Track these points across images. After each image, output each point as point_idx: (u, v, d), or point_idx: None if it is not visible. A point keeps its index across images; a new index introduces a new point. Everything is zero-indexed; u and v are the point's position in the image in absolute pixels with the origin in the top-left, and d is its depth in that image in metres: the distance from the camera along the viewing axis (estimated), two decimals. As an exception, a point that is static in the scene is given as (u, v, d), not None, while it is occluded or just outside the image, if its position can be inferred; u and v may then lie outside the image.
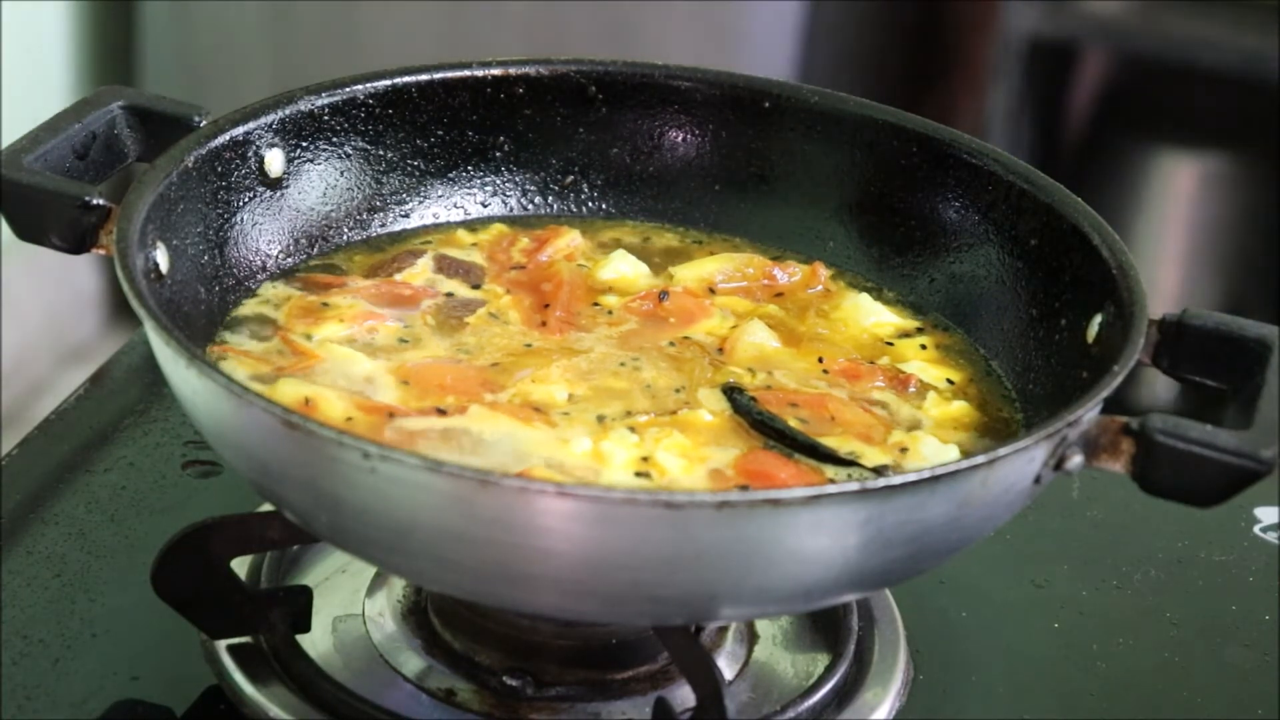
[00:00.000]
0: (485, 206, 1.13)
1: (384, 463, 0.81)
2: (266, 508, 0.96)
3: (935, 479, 0.84)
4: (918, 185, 1.10)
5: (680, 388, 0.99)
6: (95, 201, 0.95)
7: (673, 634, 0.92)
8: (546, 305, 1.05)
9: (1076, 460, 0.88)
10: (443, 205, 1.12)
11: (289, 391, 0.94)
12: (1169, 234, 2.91)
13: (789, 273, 1.10)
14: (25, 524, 1.08)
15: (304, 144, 1.06)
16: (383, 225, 1.10)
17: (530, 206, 1.14)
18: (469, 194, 1.13)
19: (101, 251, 0.96)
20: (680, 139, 1.14)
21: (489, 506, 0.81)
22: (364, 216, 1.10)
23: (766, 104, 1.13)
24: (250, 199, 1.04)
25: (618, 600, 0.86)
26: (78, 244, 0.96)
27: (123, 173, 1.04)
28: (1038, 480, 0.89)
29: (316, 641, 0.99)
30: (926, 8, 3.15)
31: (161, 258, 0.96)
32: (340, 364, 0.97)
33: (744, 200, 1.14)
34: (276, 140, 1.05)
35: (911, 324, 1.07)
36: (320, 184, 1.08)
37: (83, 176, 1.00)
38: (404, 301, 1.04)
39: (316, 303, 1.03)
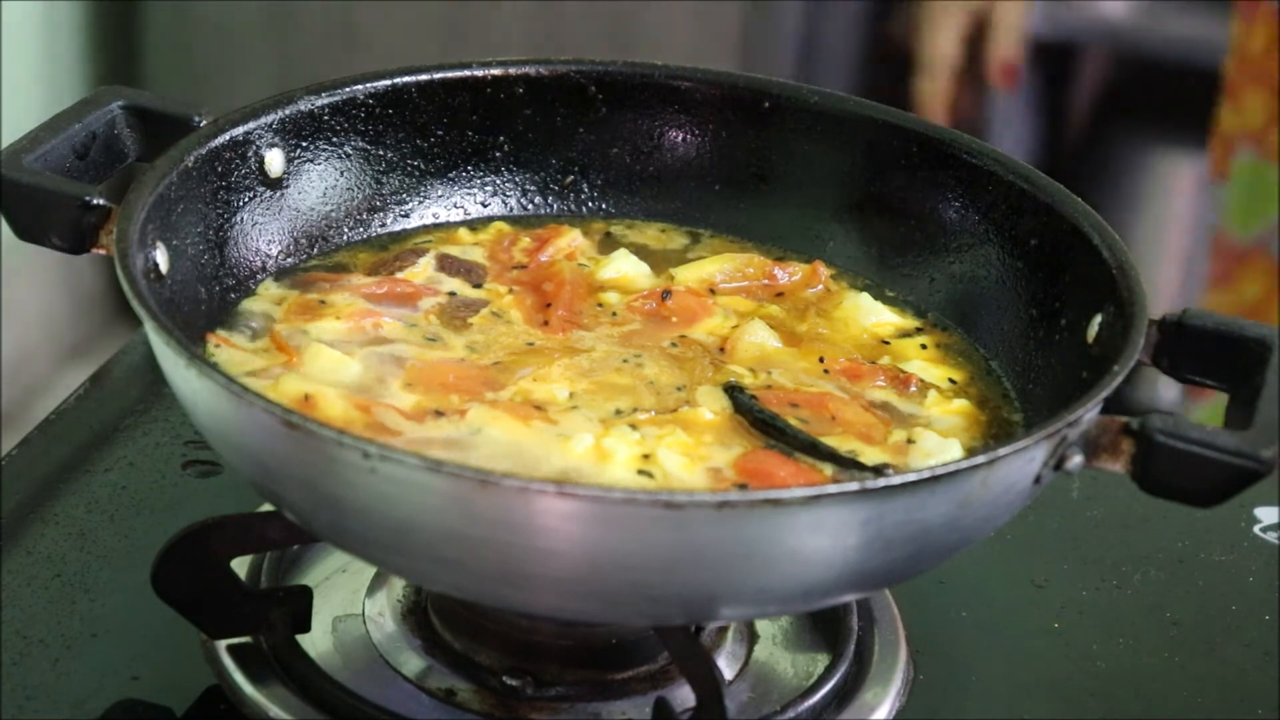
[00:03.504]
0: (485, 206, 1.13)
1: (384, 463, 0.81)
2: (266, 508, 0.96)
3: (935, 479, 0.84)
4: (918, 185, 1.10)
5: (682, 386, 0.99)
6: (95, 201, 0.95)
7: (673, 634, 0.92)
8: (548, 305, 1.05)
9: (1076, 460, 0.88)
10: (443, 205, 1.12)
11: (289, 389, 0.94)
12: (1169, 234, 2.91)
13: (789, 272, 1.10)
14: (25, 524, 1.08)
15: (304, 144, 1.06)
16: (383, 225, 1.10)
17: (530, 206, 1.14)
18: (469, 194, 1.13)
19: (101, 251, 0.96)
20: (680, 139, 1.14)
21: (489, 506, 0.81)
22: (364, 216, 1.10)
23: (766, 104, 1.13)
24: (250, 199, 1.04)
25: (618, 600, 0.86)
26: (78, 244, 0.96)
27: (123, 173, 1.04)
28: (1038, 480, 0.89)
29: (316, 641, 0.99)
30: (926, 8, 3.15)
31: (161, 258, 0.96)
32: (329, 365, 0.97)
33: (744, 200, 1.14)
34: (276, 140, 1.05)
35: (911, 324, 1.07)
36: (320, 184, 1.08)
37: (83, 176, 1.00)
38: (404, 300, 1.04)
39: (314, 300, 1.03)
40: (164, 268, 0.96)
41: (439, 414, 0.94)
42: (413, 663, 0.98)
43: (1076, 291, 1.01)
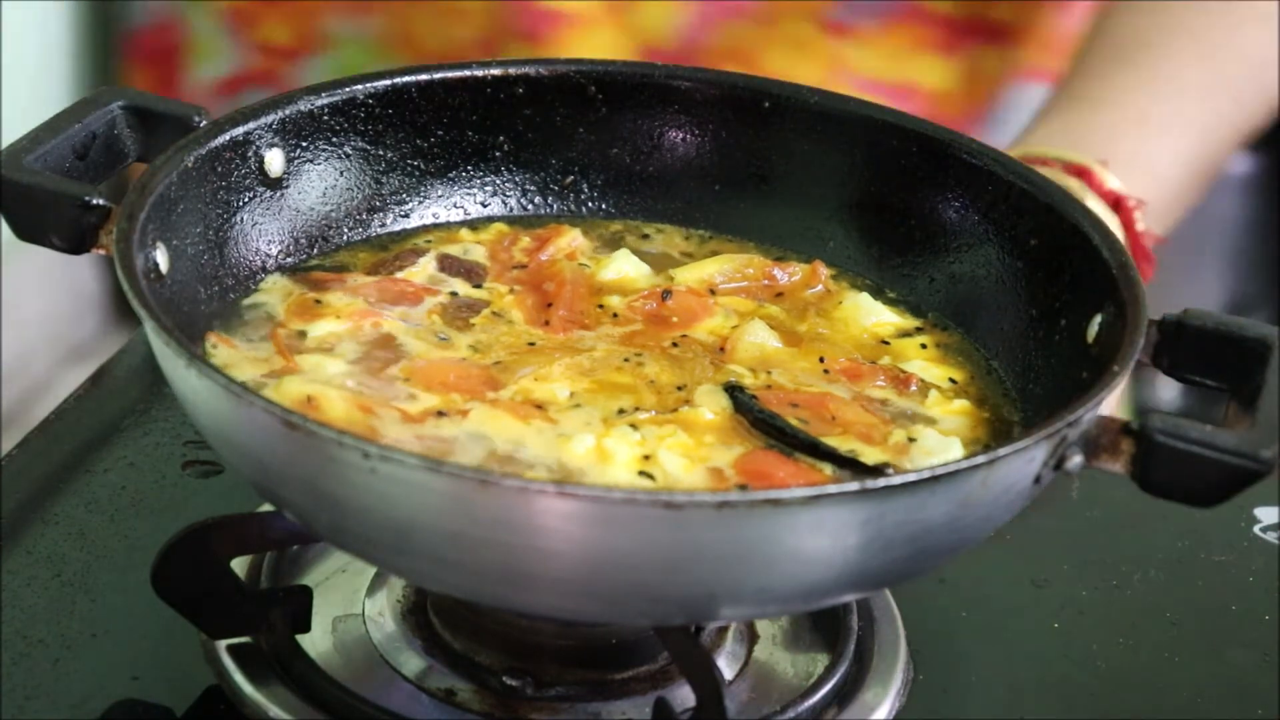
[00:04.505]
0: (485, 206, 1.13)
1: (384, 463, 0.81)
2: (266, 508, 0.96)
3: (935, 479, 0.84)
4: (918, 185, 1.10)
5: (682, 385, 1.00)
6: (95, 201, 0.96)
7: (673, 634, 0.92)
8: (549, 304, 1.05)
9: (1076, 460, 0.88)
10: (442, 205, 1.12)
11: (291, 389, 0.94)
12: (1169, 234, 2.90)
13: (789, 273, 1.10)
14: (25, 524, 1.08)
15: (304, 144, 1.07)
16: (383, 225, 1.10)
17: (530, 206, 1.14)
18: (469, 194, 1.13)
19: (101, 251, 0.96)
20: (680, 139, 1.14)
21: (489, 506, 0.81)
22: (364, 216, 1.10)
23: (766, 104, 1.13)
24: (250, 199, 1.04)
25: (618, 600, 0.86)
26: (78, 244, 0.96)
27: (123, 173, 1.04)
28: (1038, 480, 0.89)
29: (316, 641, 0.99)
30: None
31: (161, 258, 0.96)
32: (328, 366, 0.97)
33: (744, 200, 1.14)
34: (276, 140, 1.05)
35: (911, 324, 1.08)
36: (320, 184, 1.08)
37: (83, 176, 1.00)
38: (404, 299, 1.04)
39: (315, 300, 1.03)
40: (164, 268, 0.96)
41: (441, 414, 0.94)
42: (413, 663, 0.99)
43: (1076, 291, 1.01)
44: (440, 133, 1.11)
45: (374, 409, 0.93)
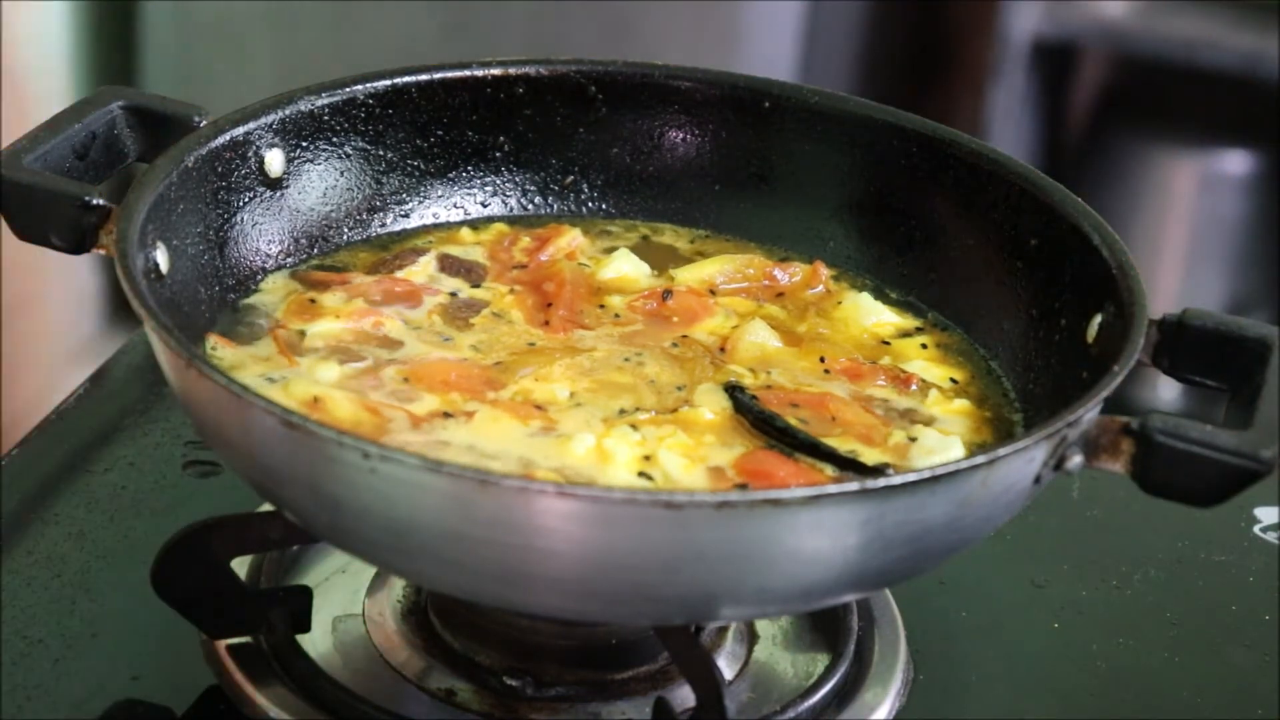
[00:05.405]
0: (485, 206, 1.13)
1: (384, 463, 0.81)
2: (266, 508, 0.96)
3: (935, 479, 0.84)
4: (918, 185, 1.10)
5: (682, 385, 1.00)
6: (95, 201, 0.95)
7: (673, 634, 0.92)
8: (549, 305, 1.05)
9: (1076, 460, 0.88)
10: (442, 205, 1.12)
11: (298, 390, 0.94)
12: (1169, 234, 2.91)
13: (790, 273, 1.10)
14: (25, 524, 1.08)
15: (304, 144, 1.06)
16: (383, 225, 1.10)
17: (530, 206, 1.14)
18: (469, 194, 1.13)
19: (101, 251, 0.96)
20: (680, 139, 1.14)
21: (489, 506, 0.81)
22: (364, 216, 1.10)
23: (766, 104, 1.13)
24: (250, 199, 1.04)
25: (618, 600, 0.86)
26: (78, 244, 0.96)
27: (123, 173, 1.04)
28: (1038, 480, 0.89)
29: (316, 641, 0.99)
30: (926, 8, 3.15)
31: (161, 258, 0.96)
32: (329, 366, 0.97)
33: (744, 200, 1.14)
34: (276, 140, 1.05)
35: (911, 324, 1.08)
36: (320, 184, 1.08)
37: (83, 176, 1.00)
38: (404, 299, 1.04)
39: (314, 300, 1.03)
40: (164, 268, 0.96)
41: (447, 415, 0.94)
42: (413, 663, 0.99)
43: (1076, 291, 1.01)
44: (440, 133, 1.11)
45: (380, 410, 0.93)
